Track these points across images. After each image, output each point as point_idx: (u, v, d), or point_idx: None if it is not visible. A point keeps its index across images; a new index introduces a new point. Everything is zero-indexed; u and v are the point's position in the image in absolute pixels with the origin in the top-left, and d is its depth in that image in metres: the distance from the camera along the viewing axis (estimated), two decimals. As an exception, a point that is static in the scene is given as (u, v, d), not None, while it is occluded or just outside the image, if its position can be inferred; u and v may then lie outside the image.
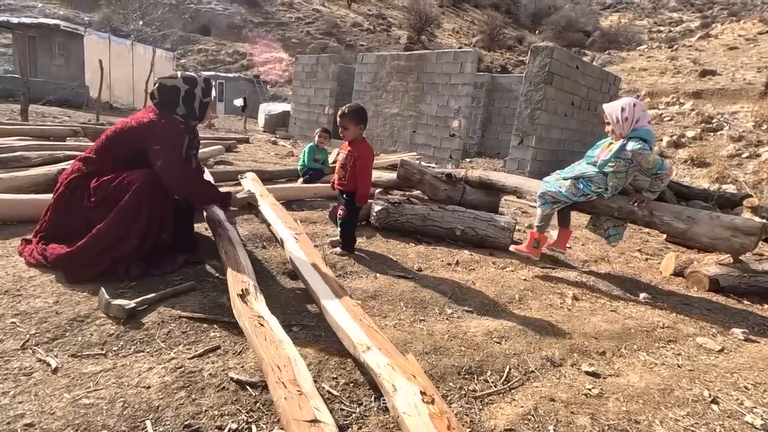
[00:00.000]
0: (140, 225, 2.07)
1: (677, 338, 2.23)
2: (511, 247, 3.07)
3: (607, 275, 3.17)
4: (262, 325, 1.53)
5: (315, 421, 1.09)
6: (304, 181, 4.76)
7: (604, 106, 2.88)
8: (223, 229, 2.40)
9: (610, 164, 2.79)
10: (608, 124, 2.83)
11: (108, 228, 2.00)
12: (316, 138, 5.02)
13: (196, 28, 31.57)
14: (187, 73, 2.39)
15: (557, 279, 2.91)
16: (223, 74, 24.55)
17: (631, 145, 2.68)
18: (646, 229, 5.00)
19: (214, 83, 22.37)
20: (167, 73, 2.36)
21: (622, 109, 2.72)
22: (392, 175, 4.30)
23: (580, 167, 2.95)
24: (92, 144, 2.32)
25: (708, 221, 2.63)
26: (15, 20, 17.50)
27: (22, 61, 9.06)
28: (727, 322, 2.53)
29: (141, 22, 25.17)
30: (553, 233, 3.29)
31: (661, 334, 2.25)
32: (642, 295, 2.79)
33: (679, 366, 1.95)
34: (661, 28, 46.40)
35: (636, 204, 2.82)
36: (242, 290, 1.76)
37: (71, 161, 2.34)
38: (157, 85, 2.26)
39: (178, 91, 2.25)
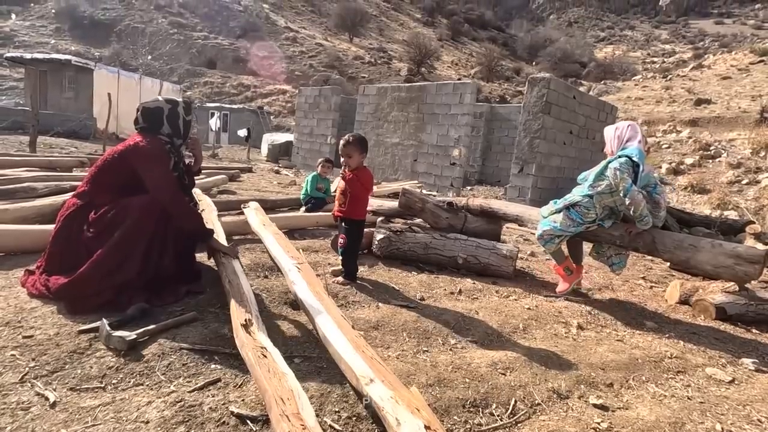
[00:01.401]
0: (141, 248, 2.08)
1: (686, 369, 2.19)
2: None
3: (611, 303, 3.13)
4: (264, 356, 1.51)
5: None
6: (306, 210, 4.79)
7: (606, 129, 3.00)
8: (227, 258, 2.40)
9: (593, 184, 2.86)
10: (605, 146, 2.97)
11: (109, 252, 2.02)
12: (319, 168, 5.09)
13: (202, 62, 32.58)
14: (168, 96, 2.48)
15: (561, 308, 2.87)
16: (227, 105, 25.13)
17: (612, 163, 2.77)
18: (650, 257, 4.98)
19: (218, 114, 22.94)
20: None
21: (617, 128, 2.90)
22: (394, 203, 4.33)
23: (570, 195, 2.99)
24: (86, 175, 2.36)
25: (710, 249, 2.62)
26: (28, 56, 18.13)
27: (33, 95, 9.32)
28: (736, 352, 2.48)
29: (149, 57, 26.00)
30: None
31: (670, 365, 2.20)
32: (648, 324, 2.75)
33: (689, 398, 1.90)
34: (655, 59, 47.66)
35: (629, 234, 2.83)
36: (245, 320, 1.74)
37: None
38: (140, 110, 2.31)
39: (161, 111, 2.31)
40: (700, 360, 2.31)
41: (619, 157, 2.78)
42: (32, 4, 36.85)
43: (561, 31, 63.27)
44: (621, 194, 2.74)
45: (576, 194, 2.96)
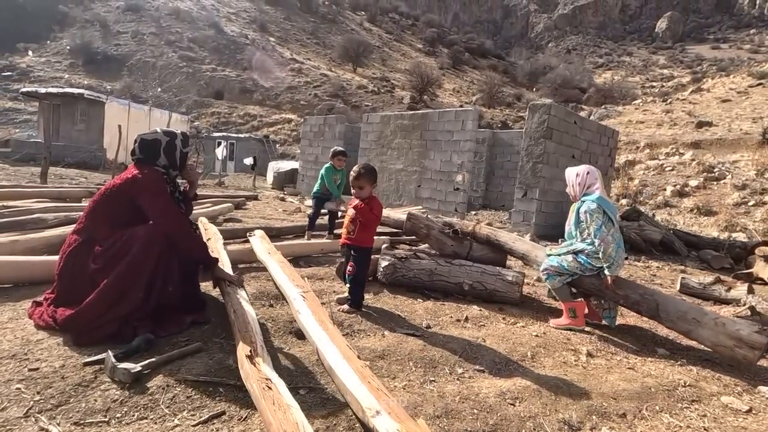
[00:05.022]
0: (145, 277, 2.08)
1: (701, 398, 2.13)
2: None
3: (621, 330, 3.08)
4: (270, 388, 1.49)
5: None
6: (314, 202, 4.91)
7: (567, 169, 3.08)
8: (233, 288, 2.41)
9: (583, 235, 2.89)
10: (567, 186, 3.03)
11: (114, 282, 2.02)
12: (334, 160, 5.01)
13: (210, 93, 33.51)
14: (165, 128, 2.54)
15: (570, 335, 2.83)
16: (234, 135, 25.65)
17: (582, 207, 2.84)
18: (659, 281, 4.92)
19: (225, 143, 23.39)
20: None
21: (577, 174, 2.97)
22: (400, 216, 4.35)
23: (573, 245, 2.98)
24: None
25: (713, 327, 2.55)
26: (42, 90, 18.74)
27: (46, 127, 9.60)
28: (752, 380, 2.41)
29: (159, 89, 26.77)
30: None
31: (684, 394, 2.15)
32: (660, 351, 2.70)
33: (705, 429, 1.84)
34: (654, 84, 48.40)
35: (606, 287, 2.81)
36: (250, 351, 1.73)
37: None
38: (137, 141, 2.35)
39: (159, 143, 2.34)
40: (714, 388, 2.25)
41: (584, 201, 2.86)
42: (48, 42, 38.40)
43: (560, 58, 64.69)
44: (592, 235, 2.78)
45: (575, 243, 2.96)
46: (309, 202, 5.13)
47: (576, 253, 2.91)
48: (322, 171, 5.04)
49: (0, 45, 35.00)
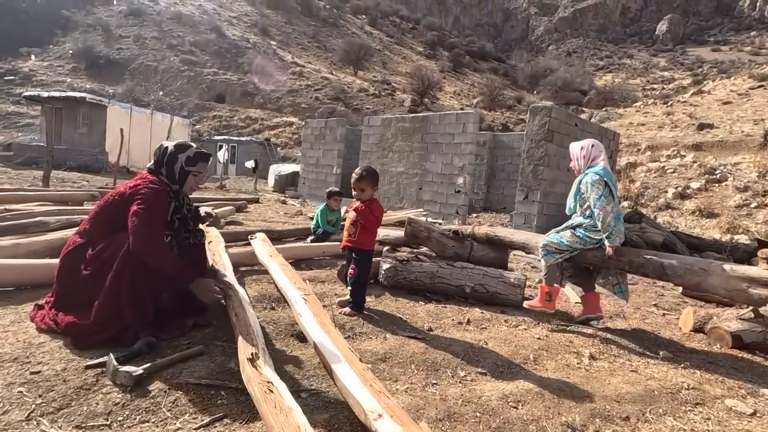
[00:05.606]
0: (128, 288, 2.03)
1: (704, 400, 2.12)
2: (525, 304, 3.03)
3: (623, 332, 3.07)
4: (271, 391, 1.49)
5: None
6: (313, 241, 4.81)
7: (571, 144, 3.07)
8: (234, 291, 2.40)
9: (582, 207, 2.89)
10: (571, 161, 3.03)
11: (105, 302, 1.99)
12: (329, 201, 5.09)
13: (211, 96, 33.61)
14: (187, 141, 2.47)
15: (572, 337, 2.82)
16: (235, 138, 25.72)
17: (584, 179, 2.84)
18: (660, 283, 4.90)
19: (227, 146, 23.42)
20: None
21: (582, 147, 2.97)
22: (400, 232, 4.34)
23: (570, 221, 3.00)
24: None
25: (722, 273, 2.58)
26: (45, 94, 18.84)
27: (48, 131, 9.63)
28: (756, 382, 2.40)
29: (161, 93, 26.90)
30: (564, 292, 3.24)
31: (687, 396, 2.13)
32: (662, 354, 2.69)
33: (709, 432, 1.83)
34: (655, 86, 48.43)
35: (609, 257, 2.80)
36: (252, 354, 1.73)
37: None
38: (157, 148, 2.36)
39: (165, 152, 2.31)
40: (718, 391, 2.24)
41: (586, 173, 2.87)
42: (51, 46, 38.60)
43: (560, 60, 64.78)
44: (591, 205, 2.78)
45: (573, 218, 2.98)
46: (311, 213, 5.12)
47: (574, 227, 2.91)
48: (317, 211, 5.06)
49: (3, 49, 35.17)
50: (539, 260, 3.09)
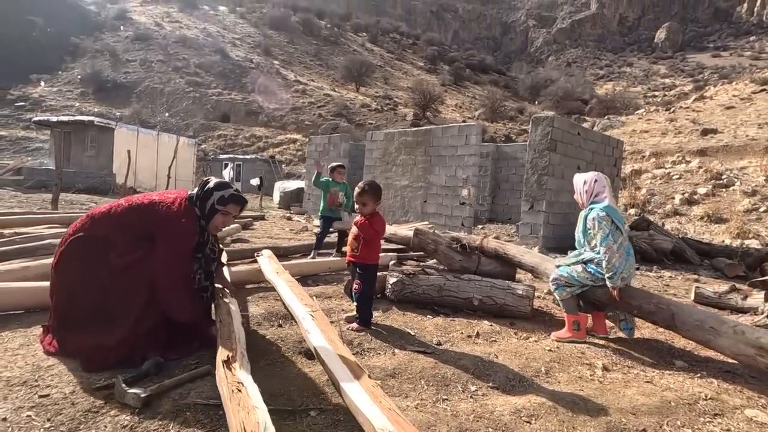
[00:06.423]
0: (150, 322, 2.08)
1: (723, 411, 2.06)
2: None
3: (636, 342, 3.01)
4: (239, 390, 1.55)
5: None
6: (321, 224, 5.00)
7: (575, 176, 3.05)
8: (223, 301, 2.43)
9: (586, 245, 2.86)
10: (575, 192, 3.01)
11: (130, 332, 2.03)
12: (333, 174, 5.06)
13: (216, 116, 34.13)
14: (228, 183, 2.46)
15: (584, 348, 2.77)
16: (240, 156, 25.99)
17: (590, 214, 2.81)
18: (672, 291, 4.83)
19: (232, 165, 23.66)
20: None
21: (585, 182, 2.94)
22: (407, 232, 4.33)
23: (583, 254, 2.94)
24: (107, 204, 2.30)
25: (732, 336, 2.48)
26: (54, 119, 19.23)
27: (57, 154, 9.79)
28: (775, 391, 2.34)
29: (167, 114, 27.34)
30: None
31: (705, 407, 2.08)
32: (678, 363, 2.63)
33: (730, 444, 1.78)
34: (656, 93, 48.50)
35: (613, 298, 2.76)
36: (228, 357, 1.79)
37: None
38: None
39: (204, 186, 2.33)
40: (737, 401, 2.18)
41: (591, 209, 2.83)
42: (60, 72, 39.56)
43: (560, 71, 65.22)
44: (597, 244, 2.75)
45: (584, 252, 2.92)
46: (317, 221, 5.17)
47: (585, 262, 2.87)
48: (323, 178, 5.09)
49: (15, 77, 36.06)
50: (553, 293, 3.05)
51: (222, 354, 1.82)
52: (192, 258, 2.26)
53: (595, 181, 2.91)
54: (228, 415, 1.46)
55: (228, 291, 2.57)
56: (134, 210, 2.20)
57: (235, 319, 2.21)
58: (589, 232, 2.85)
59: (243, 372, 1.70)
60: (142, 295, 2.08)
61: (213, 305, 2.42)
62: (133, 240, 2.14)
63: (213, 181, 2.37)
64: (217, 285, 2.53)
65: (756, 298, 4.00)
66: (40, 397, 1.70)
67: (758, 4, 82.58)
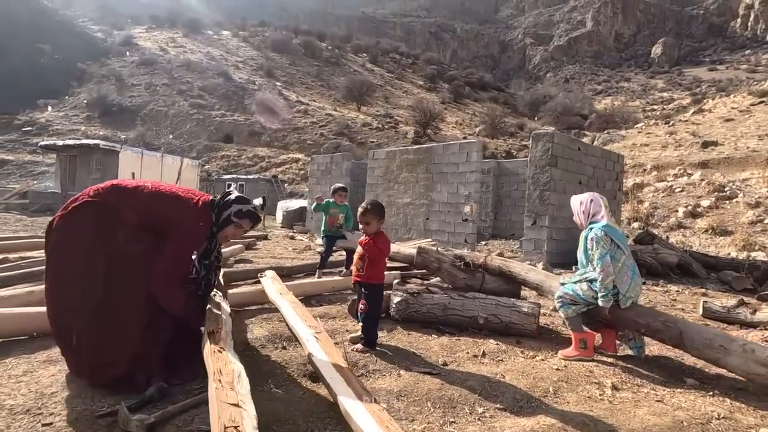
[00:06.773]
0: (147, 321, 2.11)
1: (737, 430, 2.02)
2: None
3: (645, 359, 2.96)
4: (220, 352, 1.89)
5: None
6: (324, 243, 5.03)
7: (572, 198, 3.08)
8: (214, 301, 2.52)
9: (589, 264, 2.84)
10: (573, 215, 3.03)
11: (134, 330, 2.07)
12: (335, 197, 5.11)
13: (219, 137, 34.55)
14: (254, 200, 2.50)
15: (592, 367, 2.73)
16: (243, 176, 26.16)
17: (589, 234, 2.81)
18: (680, 305, 4.78)
19: (235, 185, 23.83)
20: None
21: (581, 203, 2.97)
22: (410, 250, 4.33)
23: (587, 273, 2.93)
24: (129, 180, 2.30)
25: (741, 354, 2.44)
26: (60, 143, 19.51)
27: (63, 178, 9.91)
28: (790, 409, 2.28)
29: (171, 136, 27.68)
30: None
31: (719, 427, 2.03)
32: (689, 381, 2.58)
33: (746, 465, 1.73)
34: (655, 107, 48.89)
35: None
36: (212, 330, 2.10)
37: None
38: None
39: (225, 196, 2.37)
40: (751, 420, 2.13)
41: (591, 228, 2.84)
42: (67, 97, 40.34)
43: (559, 87, 66.00)
44: (594, 263, 2.74)
45: (591, 273, 2.90)
46: (320, 240, 5.18)
47: (591, 281, 2.85)
48: (324, 201, 5.14)
49: (22, 103, 36.75)
50: (558, 311, 3.03)
51: (209, 327, 2.13)
52: (191, 260, 2.28)
53: (591, 201, 2.93)
54: (207, 364, 1.80)
55: (221, 292, 2.71)
56: (157, 195, 2.20)
57: (223, 310, 2.43)
58: (588, 252, 2.85)
59: (226, 344, 1.99)
60: (141, 306, 2.09)
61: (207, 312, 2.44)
62: (142, 227, 2.13)
63: (235, 193, 2.41)
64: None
65: (765, 312, 3.95)
66: (43, 425, 1.69)
67: (751, 19, 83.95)
